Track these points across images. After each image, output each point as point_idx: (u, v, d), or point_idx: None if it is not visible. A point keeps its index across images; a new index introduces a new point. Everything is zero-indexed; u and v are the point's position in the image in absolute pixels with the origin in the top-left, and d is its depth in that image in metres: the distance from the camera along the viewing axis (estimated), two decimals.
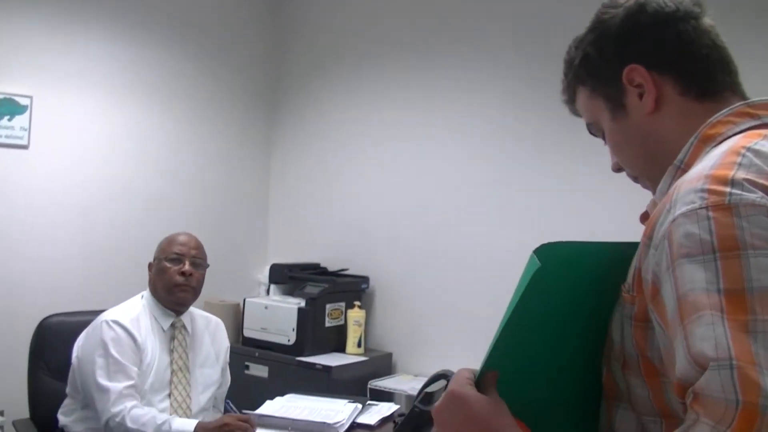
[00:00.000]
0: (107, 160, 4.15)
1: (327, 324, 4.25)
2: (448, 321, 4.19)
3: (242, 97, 4.86)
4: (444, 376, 2.97)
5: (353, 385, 3.98)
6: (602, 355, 1.12)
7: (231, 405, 2.67)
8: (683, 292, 0.89)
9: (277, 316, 4.23)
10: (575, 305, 1.08)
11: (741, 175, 0.92)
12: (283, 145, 5.02)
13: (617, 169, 1.23)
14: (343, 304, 4.33)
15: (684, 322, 0.88)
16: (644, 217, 1.13)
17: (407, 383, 4.07)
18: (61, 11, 3.93)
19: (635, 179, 1.22)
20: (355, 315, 4.33)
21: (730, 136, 1.04)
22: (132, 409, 2.53)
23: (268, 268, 4.68)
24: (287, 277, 4.48)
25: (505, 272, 3.89)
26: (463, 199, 4.19)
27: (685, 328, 0.87)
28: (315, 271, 4.57)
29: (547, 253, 0.97)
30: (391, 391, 4.02)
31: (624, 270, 1.09)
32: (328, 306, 4.25)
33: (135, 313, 2.78)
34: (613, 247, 1.13)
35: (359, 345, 4.31)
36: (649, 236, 0.99)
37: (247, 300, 4.41)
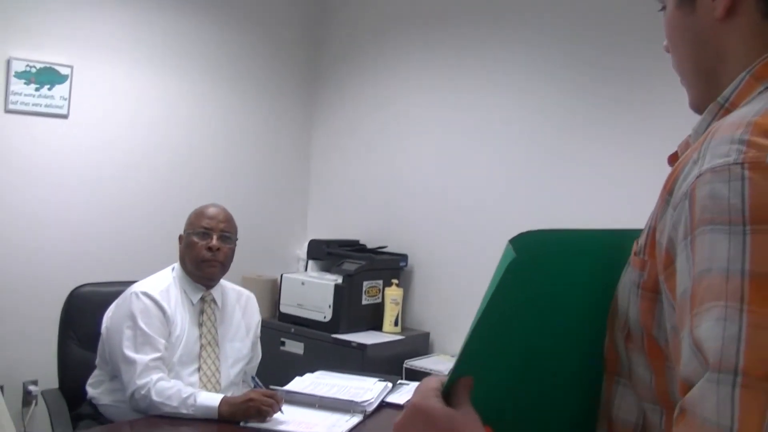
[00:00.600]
0: (146, 131, 4.12)
1: (364, 301, 4.19)
2: None
3: (283, 70, 4.79)
4: None
5: (389, 364, 3.92)
6: (598, 354, 0.97)
7: (258, 381, 2.63)
8: (700, 271, 0.73)
9: (313, 292, 4.18)
10: (560, 299, 0.95)
11: None
12: (325, 120, 4.96)
13: (668, 50, 1.03)
14: (380, 281, 4.27)
15: (693, 310, 0.72)
16: (672, 158, 0.96)
17: (444, 363, 3.99)
18: None
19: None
20: (393, 293, 4.27)
21: None
22: (158, 382, 2.50)
23: (306, 243, 4.63)
24: (325, 253, 4.44)
25: None
26: (504, 178, 4.09)
27: (692, 319, 0.72)
28: (353, 247, 4.51)
29: (523, 242, 0.84)
30: (428, 371, 3.95)
31: (619, 261, 0.94)
32: (365, 283, 4.19)
33: (165, 285, 2.75)
34: (604, 235, 1.00)
35: (396, 323, 4.25)
36: (669, 191, 0.82)
37: (284, 276, 4.37)
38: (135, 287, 2.71)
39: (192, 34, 4.29)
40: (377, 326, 4.23)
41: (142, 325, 2.59)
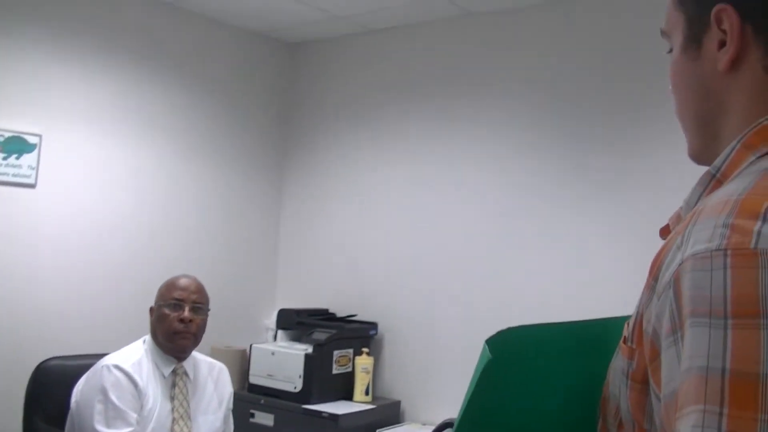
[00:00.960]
0: (113, 201, 4.10)
1: (334, 371, 4.16)
2: (458, 368, 4.07)
3: (253, 142, 4.83)
4: (451, 424, 2.87)
5: None
6: None
7: None
8: (683, 371, 0.68)
9: (283, 362, 4.14)
10: (542, 394, 0.94)
11: None
12: (293, 191, 4.98)
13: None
14: (351, 350, 4.25)
15: (676, 414, 0.68)
16: (664, 232, 0.92)
17: None
18: (74, 50, 3.92)
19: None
20: (363, 362, 4.24)
21: None
22: None
23: (276, 313, 4.60)
24: (295, 322, 4.41)
25: (514, 320, 3.84)
26: (472, 246, 4.13)
27: (675, 424, 0.68)
28: (323, 316, 4.49)
29: (500, 341, 0.83)
30: None
31: (603, 353, 0.92)
32: (335, 352, 4.16)
33: (137, 357, 2.71)
34: (585, 326, 0.99)
35: (367, 393, 4.21)
36: (654, 276, 0.78)
37: (253, 346, 4.33)
38: (106, 360, 2.66)
39: (163, 104, 4.32)
40: (348, 396, 4.19)
41: (113, 398, 2.54)
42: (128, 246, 4.15)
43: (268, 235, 4.96)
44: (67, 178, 3.92)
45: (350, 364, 4.24)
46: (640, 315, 0.80)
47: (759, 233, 0.67)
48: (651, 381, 0.77)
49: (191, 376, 2.81)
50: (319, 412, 3.93)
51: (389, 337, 4.43)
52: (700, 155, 0.93)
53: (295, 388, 4.05)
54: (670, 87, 0.98)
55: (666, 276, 0.74)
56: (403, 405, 4.32)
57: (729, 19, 0.86)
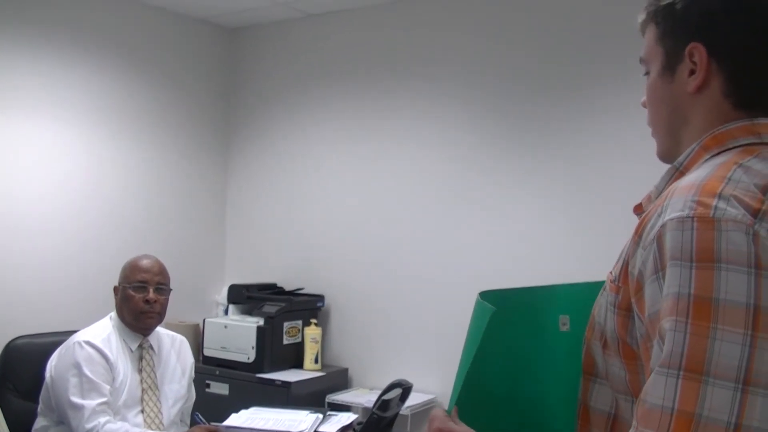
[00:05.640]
0: (67, 185, 4.23)
1: (285, 342, 4.40)
2: (400, 336, 4.38)
3: (196, 124, 4.98)
4: (399, 384, 3.17)
5: (312, 399, 4.14)
6: (574, 382, 1.20)
7: (200, 417, 2.79)
8: (664, 295, 0.96)
9: (236, 334, 4.36)
10: (527, 343, 1.20)
11: (729, 190, 0.98)
12: (239, 168, 5.16)
13: (645, 106, 1.26)
14: (300, 322, 4.49)
15: (659, 323, 0.96)
16: (638, 209, 1.21)
17: (363, 396, 4.24)
18: (21, 39, 4.02)
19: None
20: (312, 332, 4.49)
21: (729, 149, 1.08)
22: (106, 424, 2.65)
23: (225, 288, 4.81)
24: (245, 297, 4.62)
25: (449, 291, 4.14)
26: (412, 220, 4.40)
27: (660, 327, 0.96)
28: (272, 290, 4.72)
29: (493, 298, 1.08)
30: (348, 404, 4.18)
31: (568, 309, 1.22)
32: (285, 324, 4.40)
33: (105, 333, 2.90)
34: (550, 290, 1.26)
35: (316, 361, 4.47)
36: (639, 235, 1.06)
37: (206, 320, 4.53)
38: (78, 337, 2.85)
39: (111, 90, 4.44)
40: (298, 364, 4.45)
41: (87, 372, 2.73)
42: (81, 228, 4.29)
43: (216, 214, 5.14)
44: (25, 165, 4.04)
45: (299, 334, 4.48)
46: (625, 262, 1.08)
47: (716, 207, 0.96)
48: (635, 307, 1.05)
49: (156, 349, 3.02)
50: (273, 380, 4.18)
51: (335, 308, 4.68)
52: (666, 155, 1.23)
53: (248, 358, 4.28)
54: (643, 100, 1.27)
55: (651, 234, 1.02)
56: (350, 372, 4.59)
57: (699, 54, 1.13)
